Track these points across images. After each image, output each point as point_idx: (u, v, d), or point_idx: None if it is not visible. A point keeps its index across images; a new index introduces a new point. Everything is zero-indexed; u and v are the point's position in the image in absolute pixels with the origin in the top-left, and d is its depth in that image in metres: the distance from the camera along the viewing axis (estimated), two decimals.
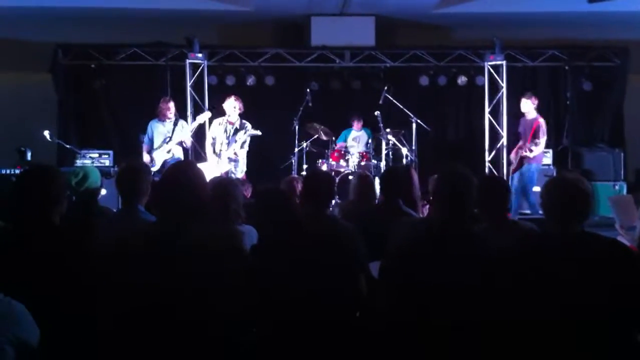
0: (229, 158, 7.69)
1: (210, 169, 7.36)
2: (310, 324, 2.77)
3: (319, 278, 2.83)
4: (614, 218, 5.04)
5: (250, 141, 7.95)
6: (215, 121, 7.94)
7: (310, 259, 2.86)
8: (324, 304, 2.80)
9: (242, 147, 7.80)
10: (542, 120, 8.23)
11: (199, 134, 8.76)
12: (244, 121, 7.85)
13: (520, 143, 8.36)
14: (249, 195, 6.53)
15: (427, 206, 5.30)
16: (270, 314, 2.82)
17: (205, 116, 8.15)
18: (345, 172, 8.75)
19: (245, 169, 7.94)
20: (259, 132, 7.89)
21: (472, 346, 2.68)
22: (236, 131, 7.77)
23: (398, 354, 2.77)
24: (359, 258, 3.26)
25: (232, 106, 7.75)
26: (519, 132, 8.52)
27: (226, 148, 7.73)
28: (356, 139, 9.72)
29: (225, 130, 7.80)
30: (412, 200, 4.58)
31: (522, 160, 8.20)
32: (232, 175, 7.59)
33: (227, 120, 7.82)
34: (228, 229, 3.42)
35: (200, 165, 7.91)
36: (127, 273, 2.59)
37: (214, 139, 7.87)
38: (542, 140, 8.11)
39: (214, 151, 7.84)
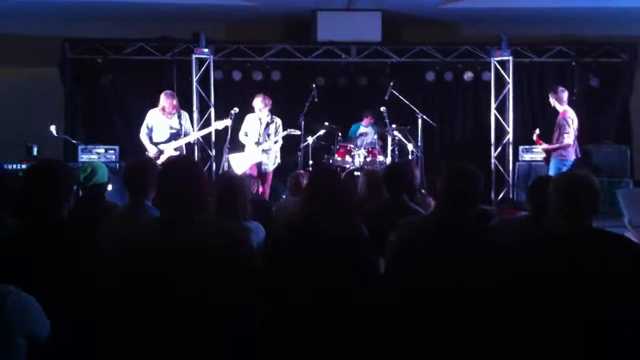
0: (263, 150, 8.15)
1: (244, 159, 8.11)
2: (316, 322, 2.77)
3: (326, 275, 2.84)
4: (623, 212, 5.03)
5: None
6: (248, 116, 8.28)
7: (320, 256, 2.86)
8: (331, 301, 2.81)
9: (275, 142, 8.25)
10: (568, 115, 7.82)
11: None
12: (273, 116, 8.27)
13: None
14: (256, 191, 6.53)
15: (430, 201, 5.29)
16: (276, 311, 2.82)
17: (223, 123, 8.20)
18: (351, 168, 8.74)
19: (279, 161, 8.45)
20: (297, 132, 8.50)
21: (478, 343, 2.68)
22: (267, 125, 8.19)
23: (402, 352, 2.77)
24: (367, 255, 3.25)
25: (258, 104, 8.12)
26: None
27: (259, 141, 8.17)
28: (363, 135, 9.71)
29: (258, 125, 8.20)
30: (415, 195, 4.57)
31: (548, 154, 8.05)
32: (265, 167, 8.17)
33: (258, 117, 8.18)
34: (234, 225, 3.42)
35: (234, 155, 8.09)
36: (132, 269, 2.59)
37: (246, 133, 8.27)
38: (564, 134, 7.75)
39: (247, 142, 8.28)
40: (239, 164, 8.08)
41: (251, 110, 8.28)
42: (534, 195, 3.62)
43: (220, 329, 2.55)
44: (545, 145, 7.98)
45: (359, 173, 7.93)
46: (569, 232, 2.70)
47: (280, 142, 8.33)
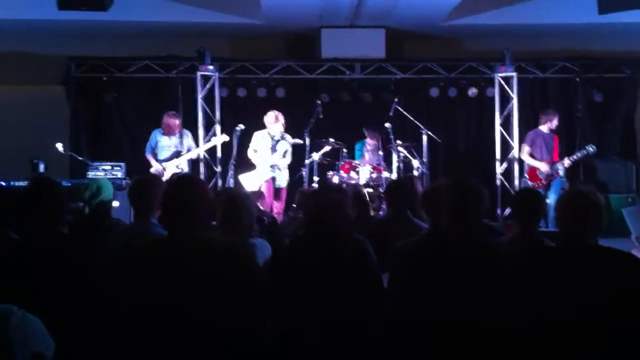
0: (271, 166, 8.15)
1: (255, 177, 8.10)
2: (322, 336, 2.77)
3: (332, 291, 2.84)
4: (629, 229, 5.02)
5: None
6: (257, 134, 8.32)
7: (325, 272, 2.87)
8: (338, 316, 2.80)
9: (283, 156, 8.29)
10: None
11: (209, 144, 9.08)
12: (283, 133, 8.32)
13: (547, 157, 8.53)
14: (270, 209, 6.56)
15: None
16: (283, 326, 2.82)
17: (221, 139, 8.67)
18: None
19: (288, 178, 8.44)
20: (300, 141, 8.50)
21: (479, 354, 2.68)
22: (276, 142, 8.25)
23: None
24: (373, 269, 3.25)
25: (270, 120, 8.15)
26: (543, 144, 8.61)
27: (268, 157, 8.20)
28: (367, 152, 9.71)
29: (267, 142, 8.23)
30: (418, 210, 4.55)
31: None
32: (278, 184, 8.25)
33: (268, 132, 8.22)
34: (239, 242, 3.41)
35: (244, 175, 7.91)
36: (136, 286, 2.60)
37: (255, 150, 8.28)
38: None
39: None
40: (250, 182, 8.07)
41: (260, 127, 8.35)
42: (521, 211, 3.66)
43: (227, 344, 2.54)
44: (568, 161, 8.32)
45: (370, 189, 8.04)
46: (575, 249, 2.70)
47: (289, 158, 8.35)
